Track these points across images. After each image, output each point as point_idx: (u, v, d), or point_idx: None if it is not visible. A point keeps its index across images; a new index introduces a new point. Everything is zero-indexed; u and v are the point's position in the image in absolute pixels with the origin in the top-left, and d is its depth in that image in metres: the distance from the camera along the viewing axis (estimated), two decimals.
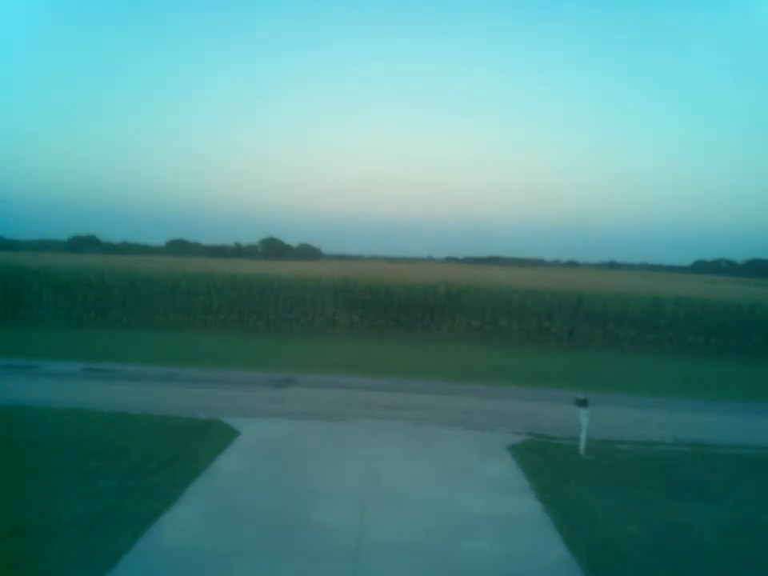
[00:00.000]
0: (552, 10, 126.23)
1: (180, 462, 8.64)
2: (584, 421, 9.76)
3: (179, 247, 79.97)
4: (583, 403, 9.83)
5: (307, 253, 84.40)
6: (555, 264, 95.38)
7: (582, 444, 9.84)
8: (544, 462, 9.39)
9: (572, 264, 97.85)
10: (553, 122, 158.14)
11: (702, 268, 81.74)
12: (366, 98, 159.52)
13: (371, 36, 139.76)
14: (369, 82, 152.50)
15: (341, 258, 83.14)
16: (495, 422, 11.76)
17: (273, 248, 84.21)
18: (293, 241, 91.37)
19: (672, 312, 23.90)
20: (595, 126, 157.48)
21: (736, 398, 15.18)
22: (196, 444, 9.44)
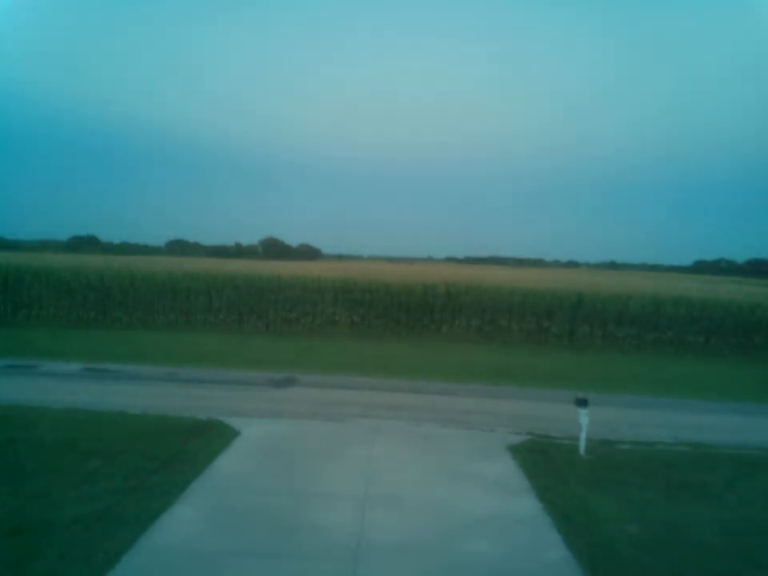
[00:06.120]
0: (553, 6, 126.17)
1: (180, 462, 8.64)
2: (584, 421, 9.77)
3: (179, 247, 79.78)
4: (583, 403, 9.84)
5: (307, 253, 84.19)
6: (555, 264, 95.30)
7: (582, 444, 9.84)
8: (544, 462, 9.39)
9: (572, 264, 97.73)
10: (552, 121, 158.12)
11: (702, 268, 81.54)
12: (365, 95, 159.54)
13: (372, 36, 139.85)
14: (368, 78, 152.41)
15: (341, 257, 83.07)
16: (495, 422, 11.77)
17: (273, 248, 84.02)
18: (293, 241, 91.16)
19: (672, 312, 23.90)
20: (594, 126, 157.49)
21: (736, 398, 15.17)
22: (196, 444, 9.45)
